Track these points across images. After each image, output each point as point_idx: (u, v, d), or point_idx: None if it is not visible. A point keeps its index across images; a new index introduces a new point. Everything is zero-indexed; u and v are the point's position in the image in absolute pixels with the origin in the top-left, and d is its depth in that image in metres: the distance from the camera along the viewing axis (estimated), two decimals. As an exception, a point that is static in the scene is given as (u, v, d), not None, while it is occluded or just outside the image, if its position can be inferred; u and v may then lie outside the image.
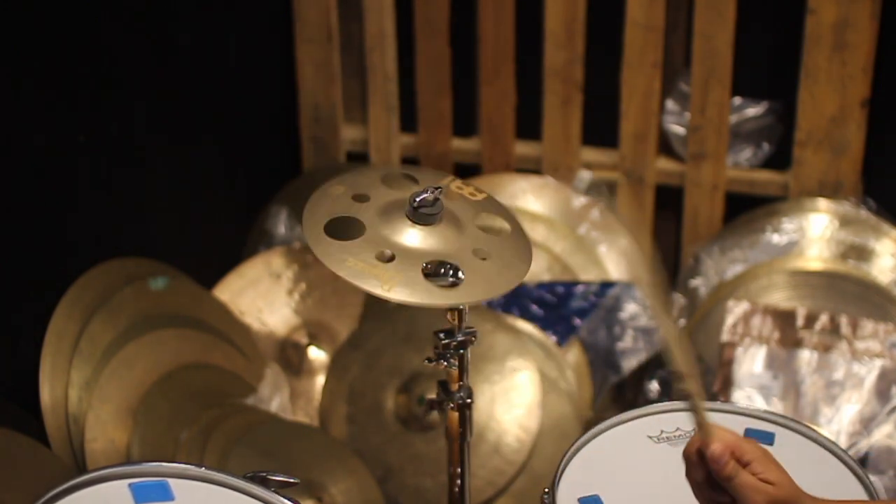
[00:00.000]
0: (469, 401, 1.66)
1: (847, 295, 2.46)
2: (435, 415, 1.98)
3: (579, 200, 2.76)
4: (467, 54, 2.80)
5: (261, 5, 2.83)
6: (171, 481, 1.31)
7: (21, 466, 1.95)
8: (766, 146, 2.71)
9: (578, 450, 1.49)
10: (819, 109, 2.57)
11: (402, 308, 2.47)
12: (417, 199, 1.50)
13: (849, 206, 2.59)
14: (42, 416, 2.07)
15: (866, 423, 2.32)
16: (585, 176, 2.79)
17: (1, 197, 2.07)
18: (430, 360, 1.62)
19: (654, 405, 1.58)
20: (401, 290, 1.43)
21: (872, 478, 1.57)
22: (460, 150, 2.88)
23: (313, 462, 2.29)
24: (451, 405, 1.66)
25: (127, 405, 2.17)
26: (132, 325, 2.24)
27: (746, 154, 2.72)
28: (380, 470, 2.36)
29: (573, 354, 2.58)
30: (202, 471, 1.33)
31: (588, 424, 2.35)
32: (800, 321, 2.42)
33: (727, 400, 2.37)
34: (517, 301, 2.61)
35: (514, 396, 2.39)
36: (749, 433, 1.54)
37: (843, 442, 2.29)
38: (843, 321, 2.40)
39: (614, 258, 2.74)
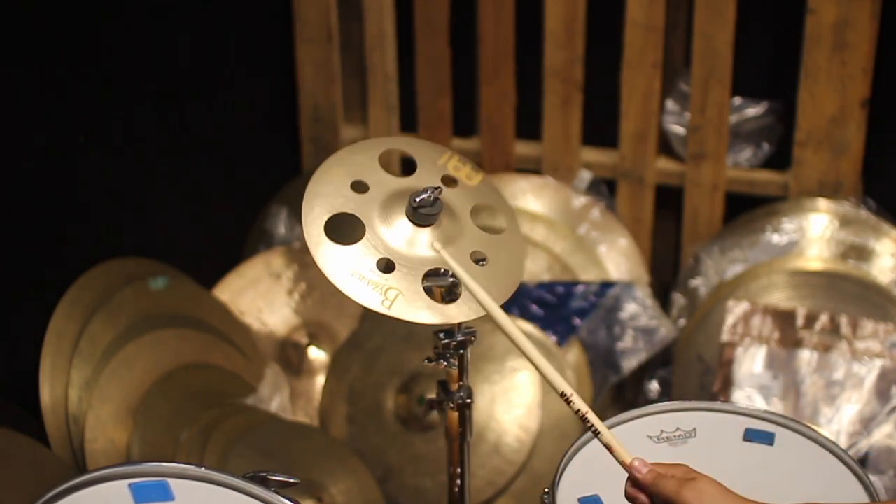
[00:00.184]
0: (469, 401, 1.66)
1: (847, 295, 2.46)
2: (435, 415, 1.98)
3: (579, 200, 2.76)
4: (467, 54, 2.80)
5: (261, 5, 2.83)
6: (171, 481, 1.31)
7: (21, 466, 1.95)
8: (766, 146, 2.71)
9: (578, 450, 1.49)
10: (819, 109, 2.57)
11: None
12: (417, 200, 1.50)
13: (849, 206, 2.59)
14: (42, 416, 2.07)
15: (866, 423, 2.32)
16: (585, 176, 2.79)
17: (1, 197, 2.07)
18: (430, 360, 1.62)
19: (654, 405, 1.58)
20: (402, 306, 1.43)
21: (872, 478, 1.57)
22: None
23: (313, 462, 2.29)
24: (451, 405, 1.66)
25: (127, 405, 2.17)
26: (132, 325, 2.24)
27: (746, 154, 2.72)
28: (380, 470, 2.36)
29: (573, 354, 2.58)
30: (202, 471, 1.33)
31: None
32: (800, 321, 2.42)
33: (727, 400, 2.37)
34: (517, 301, 2.61)
35: (514, 396, 2.39)
36: (749, 433, 1.54)
37: (843, 442, 2.29)
38: (843, 321, 2.40)
39: (614, 258, 2.74)
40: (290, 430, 2.35)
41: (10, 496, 1.86)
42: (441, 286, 1.48)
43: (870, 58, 2.51)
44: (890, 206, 2.60)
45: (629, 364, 2.59)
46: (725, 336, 2.44)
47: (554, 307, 2.62)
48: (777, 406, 2.35)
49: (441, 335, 1.60)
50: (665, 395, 2.62)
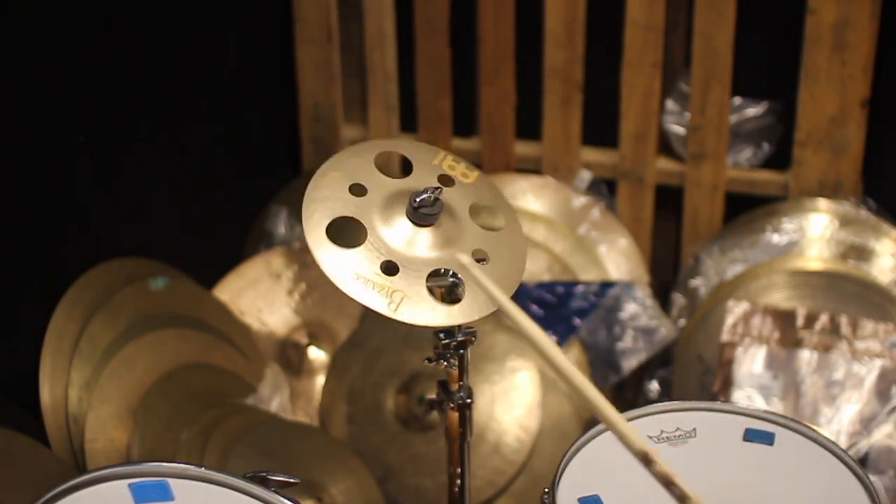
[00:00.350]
0: (469, 401, 1.66)
1: (847, 295, 2.46)
2: (435, 415, 1.98)
3: (579, 200, 2.76)
4: (467, 54, 2.80)
5: (261, 5, 2.83)
6: (171, 481, 1.31)
7: (21, 466, 1.95)
8: (766, 146, 2.71)
9: (578, 450, 1.49)
10: (819, 109, 2.57)
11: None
12: (417, 200, 1.50)
13: (849, 206, 2.59)
14: (42, 416, 2.07)
15: (866, 423, 2.32)
16: (585, 176, 2.79)
17: (1, 197, 2.07)
18: (430, 360, 1.62)
19: (654, 405, 1.58)
20: (407, 309, 1.43)
21: (872, 478, 1.57)
22: (460, 150, 2.88)
23: (313, 462, 2.29)
24: (451, 405, 1.66)
25: (127, 405, 2.17)
26: (132, 325, 2.24)
27: (746, 154, 2.72)
28: (380, 470, 2.36)
29: (573, 354, 2.58)
30: (202, 471, 1.33)
31: (588, 424, 2.35)
32: (800, 321, 2.42)
33: (727, 400, 2.37)
34: (517, 301, 2.61)
35: (514, 396, 2.39)
36: (749, 433, 1.54)
37: (843, 442, 2.29)
38: (843, 321, 2.40)
39: (614, 258, 2.74)
40: (290, 430, 2.35)
41: (10, 496, 1.86)
42: (442, 286, 1.49)
43: (870, 58, 2.51)
44: (890, 206, 2.60)
45: (629, 364, 2.59)
46: (725, 336, 2.44)
47: (554, 307, 2.62)
48: (777, 406, 2.35)
49: (441, 335, 1.60)
50: (665, 395, 2.62)
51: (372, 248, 1.47)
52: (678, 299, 2.67)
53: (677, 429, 1.54)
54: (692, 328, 2.56)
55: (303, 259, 2.61)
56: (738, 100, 2.68)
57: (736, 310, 2.45)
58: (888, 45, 2.52)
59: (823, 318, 2.41)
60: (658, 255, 2.83)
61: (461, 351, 1.61)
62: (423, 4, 2.76)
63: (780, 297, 2.50)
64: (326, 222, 1.48)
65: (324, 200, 1.49)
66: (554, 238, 2.72)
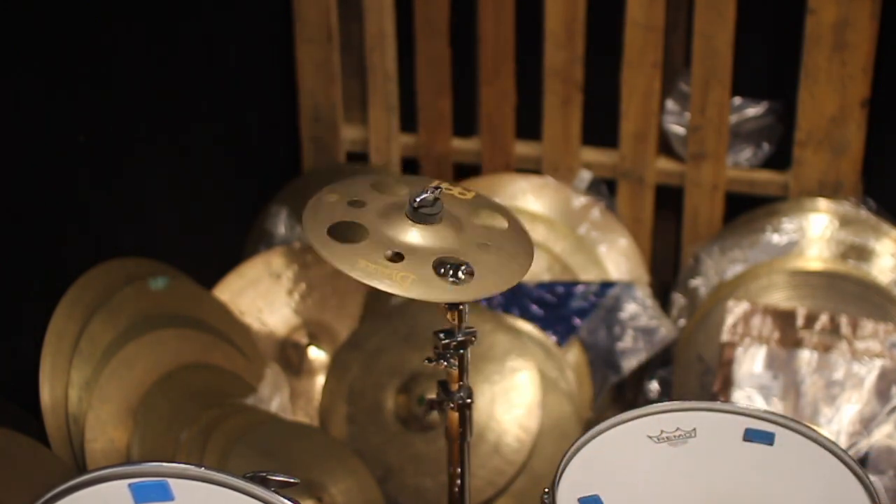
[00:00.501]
0: (469, 401, 1.66)
1: (847, 295, 2.46)
2: (435, 415, 1.98)
3: (579, 200, 2.76)
4: (467, 54, 2.80)
5: (261, 5, 2.83)
6: (171, 481, 1.31)
7: (21, 466, 1.95)
8: (766, 146, 2.71)
9: (578, 450, 1.49)
10: (819, 109, 2.57)
11: (402, 308, 2.48)
12: (418, 200, 1.50)
13: (849, 206, 2.59)
14: (42, 416, 2.07)
15: (866, 423, 2.32)
16: (585, 176, 2.79)
17: (1, 197, 2.07)
18: (430, 360, 1.62)
19: (654, 405, 1.58)
20: (416, 288, 1.44)
21: (872, 478, 1.57)
22: (460, 150, 2.88)
23: (313, 462, 2.29)
24: (451, 405, 1.66)
25: (127, 405, 2.17)
26: (132, 325, 2.24)
27: (746, 154, 2.72)
28: (380, 470, 2.36)
29: (573, 354, 2.58)
30: (202, 471, 1.33)
31: (588, 424, 2.36)
32: (800, 321, 2.42)
33: (727, 400, 2.37)
34: (517, 301, 2.61)
35: (514, 396, 2.39)
36: (749, 433, 1.54)
37: (843, 442, 2.29)
38: (843, 321, 2.40)
39: (614, 258, 2.74)
40: (290, 430, 2.35)
41: (10, 496, 1.86)
42: (446, 277, 1.49)
43: (870, 58, 2.51)
44: (890, 206, 2.60)
45: (629, 364, 2.59)
46: (725, 336, 2.44)
47: (554, 307, 2.62)
48: (777, 406, 2.35)
49: (441, 335, 1.60)
50: (665, 395, 2.62)
51: (375, 243, 1.48)
52: (678, 299, 2.67)
53: (677, 429, 1.54)
54: (692, 328, 2.56)
55: (303, 259, 2.61)
56: (738, 100, 2.68)
57: (736, 310, 2.45)
58: (888, 45, 2.52)
59: (823, 318, 2.41)
60: (658, 255, 2.83)
61: (461, 351, 1.61)
62: (423, 4, 2.76)
63: (780, 297, 2.50)
64: (328, 225, 1.49)
65: (324, 211, 1.51)
66: (554, 238, 2.72)
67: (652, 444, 1.52)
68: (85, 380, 2.13)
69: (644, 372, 2.64)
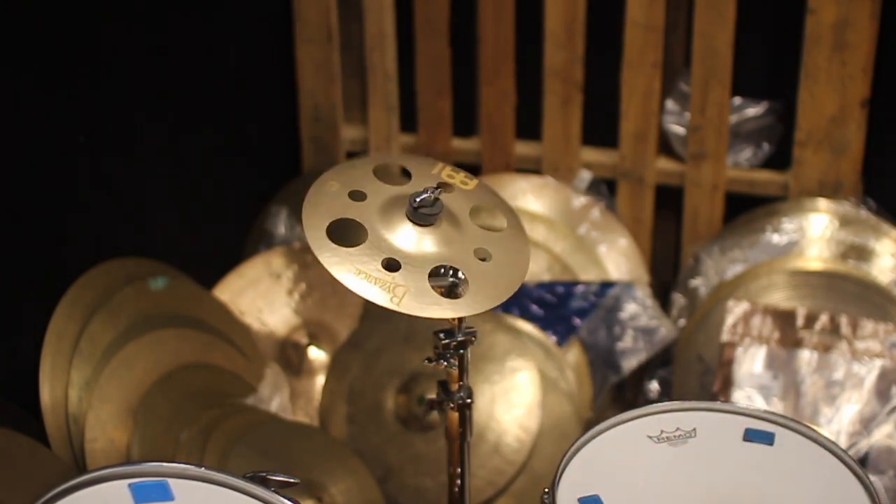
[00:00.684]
0: (469, 401, 1.66)
1: (847, 295, 2.46)
2: (435, 415, 1.98)
3: (579, 200, 2.76)
4: (467, 54, 2.80)
5: (261, 5, 2.83)
6: (171, 481, 1.31)
7: (21, 466, 1.95)
8: (766, 146, 2.71)
9: (578, 450, 1.49)
10: (819, 109, 2.57)
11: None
12: (418, 200, 1.50)
13: (849, 206, 2.59)
14: (42, 416, 2.07)
15: (866, 423, 2.32)
16: (585, 176, 2.79)
17: (1, 197, 2.07)
18: (430, 360, 1.62)
19: (654, 405, 1.58)
20: (410, 302, 1.44)
21: (872, 478, 1.57)
22: (460, 150, 2.88)
23: (313, 462, 2.29)
24: (451, 405, 1.66)
25: (127, 405, 2.17)
26: (132, 325, 2.24)
27: (746, 154, 2.72)
28: (380, 470, 2.36)
29: (573, 354, 2.58)
30: (202, 471, 1.33)
31: (588, 424, 2.36)
32: (800, 321, 2.42)
33: (727, 400, 2.37)
34: (517, 301, 2.61)
35: (514, 396, 2.39)
36: (749, 433, 1.54)
37: (843, 442, 2.29)
38: (843, 321, 2.40)
39: (614, 258, 2.74)
40: (290, 430, 2.35)
41: (10, 496, 1.86)
42: (443, 286, 1.49)
43: (870, 58, 2.51)
44: (890, 206, 2.60)
45: (629, 364, 2.59)
46: (725, 336, 2.44)
47: (554, 307, 2.62)
48: (777, 406, 2.35)
49: (441, 335, 1.60)
50: (665, 395, 2.62)
51: (373, 247, 1.47)
52: (678, 299, 2.67)
53: (677, 429, 1.54)
54: (692, 328, 2.56)
55: (303, 259, 2.61)
56: (738, 100, 2.68)
57: (736, 310, 2.45)
58: (888, 45, 2.52)
59: (823, 318, 2.41)
60: (658, 255, 2.83)
61: (461, 351, 1.61)
62: (423, 4, 2.76)
63: (780, 297, 2.50)
64: (327, 223, 1.48)
65: (323, 205, 1.50)
66: (554, 238, 2.72)
67: (652, 444, 1.52)
68: (85, 380, 2.13)
69: (644, 372, 2.64)
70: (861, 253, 2.54)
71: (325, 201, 1.52)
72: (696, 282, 2.64)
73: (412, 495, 2.37)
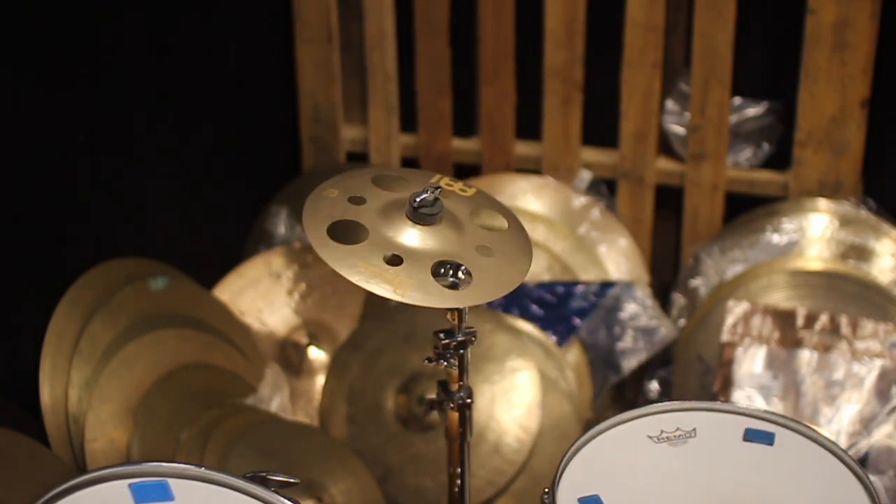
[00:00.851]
0: (469, 401, 1.66)
1: (847, 295, 2.46)
2: (435, 415, 1.98)
3: (579, 200, 2.76)
4: (467, 54, 2.80)
5: (261, 5, 2.83)
6: (171, 481, 1.31)
7: (21, 466, 1.95)
8: (766, 146, 2.71)
9: (578, 450, 1.49)
10: (819, 109, 2.57)
11: (402, 308, 2.47)
12: (417, 200, 1.50)
13: (849, 206, 2.59)
14: (42, 416, 2.07)
15: (866, 423, 2.32)
16: (585, 176, 2.79)
17: (1, 197, 2.07)
18: (430, 360, 1.62)
19: (654, 405, 1.58)
20: (414, 294, 1.44)
21: (872, 478, 1.57)
22: (460, 150, 2.88)
23: (313, 462, 2.29)
24: (451, 405, 1.66)
25: (127, 405, 2.17)
26: (132, 325, 2.24)
27: (746, 154, 2.72)
28: (380, 470, 2.36)
29: (573, 354, 2.58)
30: (202, 471, 1.33)
31: (588, 424, 2.35)
32: (800, 321, 2.42)
33: (727, 400, 2.37)
34: (517, 301, 2.61)
35: (514, 396, 2.39)
36: (749, 433, 1.54)
37: (843, 442, 2.29)
38: (843, 321, 2.40)
39: (614, 258, 2.74)
40: (290, 430, 2.35)
41: (10, 496, 1.86)
42: (443, 285, 1.49)
43: (870, 58, 2.51)
44: (890, 206, 2.60)
45: (629, 364, 2.59)
46: (725, 336, 2.44)
47: (554, 307, 2.62)
48: (777, 406, 2.35)
49: (441, 335, 1.60)
50: (665, 395, 2.62)
51: (374, 245, 1.48)
52: (678, 299, 2.67)
53: (677, 429, 1.54)
54: (692, 328, 2.56)
55: (303, 259, 2.61)
56: (738, 100, 2.68)
57: (736, 310, 2.45)
58: (888, 45, 2.52)
59: (823, 318, 2.41)
60: (658, 255, 2.83)
61: (461, 351, 1.61)
62: (423, 4, 2.76)
63: (780, 297, 2.50)
64: (327, 224, 1.49)
65: (324, 209, 1.51)
66: (554, 238, 2.72)
67: (652, 444, 1.52)
68: (85, 380, 2.13)
69: (644, 372, 2.64)
70: (861, 253, 2.54)
71: (325, 205, 1.52)
72: (696, 282, 2.64)
73: (412, 495, 2.37)
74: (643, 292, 2.65)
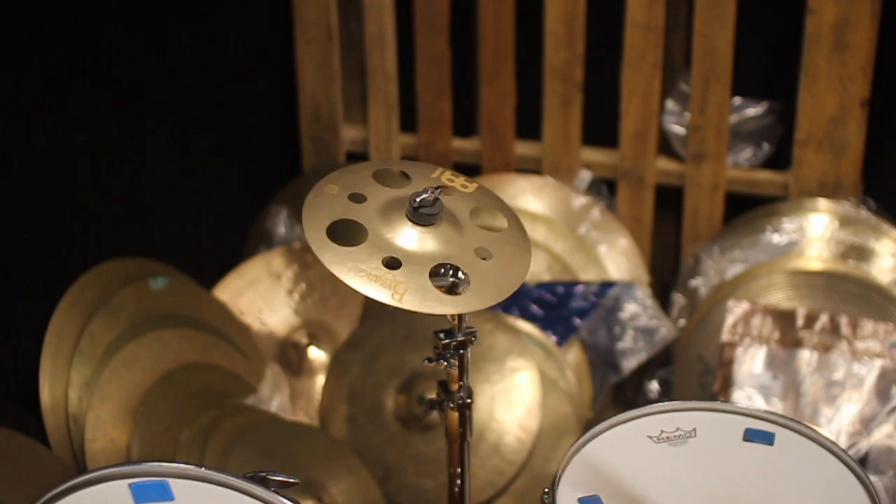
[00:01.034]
0: (469, 401, 1.66)
1: (847, 295, 2.46)
2: (435, 415, 1.98)
3: (579, 200, 2.76)
4: (467, 54, 2.80)
5: (261, 5, 2.83)
6: (171, 481, 1.31)
7: (21, 466, 1.95)
8: (766, 146, 2.71)
9: (578, 450, 1.49)
10: (819, 109, 2.57)
11: (402, 308, 2.47)
12: (417, 200, 1.50)
13: (849, 206, 2.59)
14: (42, 416, 2.07)
15: (866, 423, 2.32)
16: (585, 176, 2.79)
17: (1, 197, 2.07)
18: (430, 360, 1.62)
19: (654, 405, 1.58)
20: (411, 299, 1.44)
21: (872, 478, 1.57)
22: (460, 150, 2.88)
23: (313, 462, 2.29)
24: (451, 405, 1.66)
25: (127, 405, 2.17)
26: (132, 325, 2.24)
27: (746, 154, 2.72)
28: (380, 470, 2.36)
29: (573, 354, 2.58)
30: (202, 471, 1.33)
31: (588, 424, 2.36)
32: (800, 321, 2.42)
33: (727, 400, 2.37)
34: (517, 301, 2.61)
35: (514, 396, 2.39)
36: (749, 433, 1.54)
37: (843, 442, 2.29)
38: (843, 321, 2.40)
39: (614, 258, 2.74)
40: (290, 430, 2.35)
41: (10, 496, 1.86)
42: (442, 286, 1.49)
43: (870, 58, 2.51)
44: (890, 206, 2.60)
45: (629, 364, 2.59)
46: (725, 336, 2.44)
47: (554, 307, 2.62)
48: (777, 406, 2.35)
49: (441, 335, 1.60)
50: (665, 395, 2.62)
51: (373, 246, 1.47)
52: (678, 299, 2.67)
53: (677, 429, 1.54)
54: (692, 328, 2.56)
55: (303, 259, 2.61)
56: (738, 100, 2.68)
57: (736, 310, 2.45)
58: (888, 45, 2.52)
59: (823, 318, 2.41)
60: (658, 255, 2.83)
61: (461, 351, 1.61)
62: (423, 4, 2.76)
63: (780, 297, 2.50)
64: (327, 223, 1.48)
65: (323, 207, 1.50)
66: (554, 238, 2.72)
67: (652, 444, 1.52)
68: (85, 380, 2.13)
69: (644, 372, 2.64)
70: (861, 253, 2.54)
71: (324, 203, 1.52)
72: (696, 282, 2.64)
73: (412, 495, 2.37)
74: (643, 292, 2.65)
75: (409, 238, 1.50)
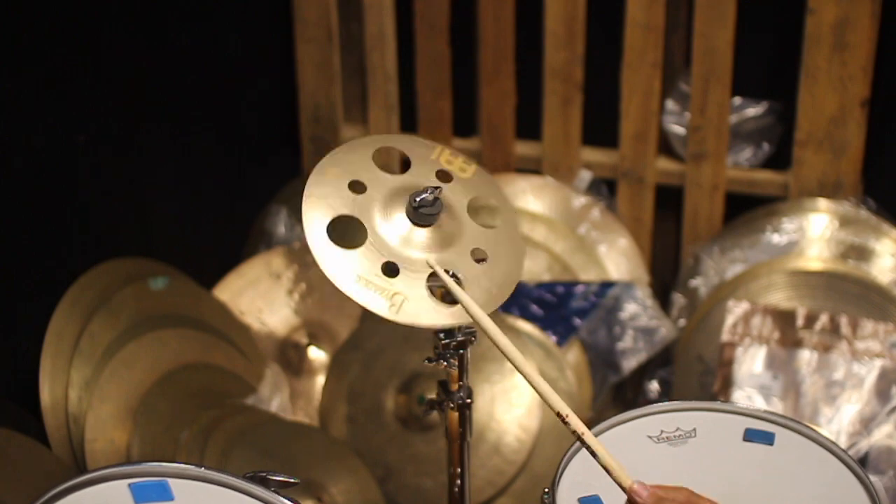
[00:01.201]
0: (469, 401, 1.66)
1: (847, 295, 2.46)
2: (435, 415, 1.98)
3: (579, 200, 2.76)
4: (467, 54, 2.80)
5: (261, 5, 2.83)
6: (171, 481, 1.31)
7: (21, 466, 1.95)
8: (766, 146, 2.71)
9: (579, 450, 1.49)
10: (819, 109, 2.57)
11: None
12: (418, 200, 1.50)
13: (849, 206, 2.59)
14: (42, 416, 2.07)
15: (866, 423, 2.32)
16: (585, 176, 2.79)
17: (1, 197, 2.07)
18: (430, 360, 1.62)
19: (654, 405, 1.57)
20: (408, 311, 1.43)
21: (872, 478, 1.57)
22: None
23: (313, 462, 2.29)
24: (451, 405, 1.66)
25: (127, 405, 2.17)
26: (132, 325, 2.24)
27: (746, 154, 2.72)
28: (380, 470, 2.36)
29: (573, 354, 2.58)
30: (202, 471, 1.33)
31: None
32: (800, 321, 2.42)
33: (727, 400, 2.37)
34: (517, 301, 2.61)
35: (514, 396, 2.39)
36: (749, 433, 1.54)
37: (843, 442, 2.29)
38: (843, 321, 2.40)
39: (614, 258, 2.74)
40: (290, 430, 2.35)
41: (10, 496, 1.86)
42: (441, 287, 1.49)
43: (870, 58, 2.51)
44: (890, 206, 2.60)
45: (629, 364, 2.59)
46: (725, 336, 2.44)
47: (554, 307, 2.62)
48: (777, 406, 2.35)
49: (441, 335, 1.60)
50: (665, 395, 2.62)
51: (372, 249, 1.47)
52: (678, 299, 2.67)
53: (677, 429, 1.54)
54: (692, 328, 2.56)
55: (303, 259, 2.61)
56: (738, 100, 2.68)
57: (736, 310, 2.45)
58: (888, 45, 2.52)
59: (823, 318, 2.41)
60: (658, 255, 2.83)
61: (461, 351, 1.61)
62: (423, 4, 2.76)
63: (780, 297, 2.50)
64: (327, 221, 1.48)
65: (324, 198, 1.49)
66: (554, 238, 2.72)
67: (652, 444, 1.52)
68: (85, 380, 2.13)
69: (644, 372, 2.64)
70: (861, 253, 2.54)
71: (326, 192, 1.50)
72: (696, 282, 2.64)
73: (412, 495, 2.37)
74: (643, 292, 2.65)
75: (408, 241, 1.49)
